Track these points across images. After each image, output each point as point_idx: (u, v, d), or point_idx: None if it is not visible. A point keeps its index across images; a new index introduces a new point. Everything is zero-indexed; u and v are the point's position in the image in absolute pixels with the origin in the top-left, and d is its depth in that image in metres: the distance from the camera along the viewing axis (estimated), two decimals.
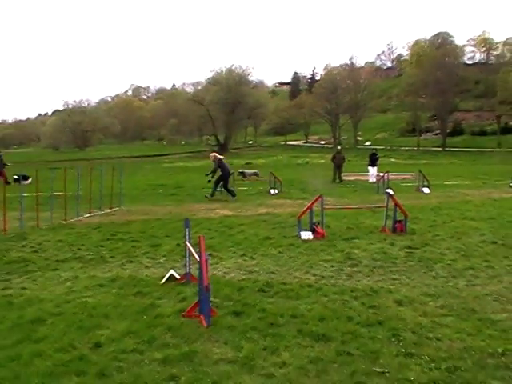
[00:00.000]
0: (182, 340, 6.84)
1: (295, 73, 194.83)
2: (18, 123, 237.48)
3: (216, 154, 26.12)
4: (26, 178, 33.36)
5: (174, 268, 10.39)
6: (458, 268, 10.87)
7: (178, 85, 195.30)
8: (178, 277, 9.86)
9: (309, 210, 14.77)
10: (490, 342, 6.73)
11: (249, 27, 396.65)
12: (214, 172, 25.41)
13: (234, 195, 25.19)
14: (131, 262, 11.84)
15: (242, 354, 6.36)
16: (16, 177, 33.33)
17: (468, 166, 58.05)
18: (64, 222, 17.55)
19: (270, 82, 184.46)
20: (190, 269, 9.77)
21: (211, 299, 7.73)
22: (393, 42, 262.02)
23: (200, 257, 7.70)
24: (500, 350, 6.45)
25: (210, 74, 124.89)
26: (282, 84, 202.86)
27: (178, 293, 9.08)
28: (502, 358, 6.28)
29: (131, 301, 8.71)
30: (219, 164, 25.38)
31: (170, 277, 9.86)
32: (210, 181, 25.88)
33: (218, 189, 25.59)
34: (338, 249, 12.86)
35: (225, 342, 6.78)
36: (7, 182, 32.76)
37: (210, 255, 10.94)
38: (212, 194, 25.25)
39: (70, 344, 6.71)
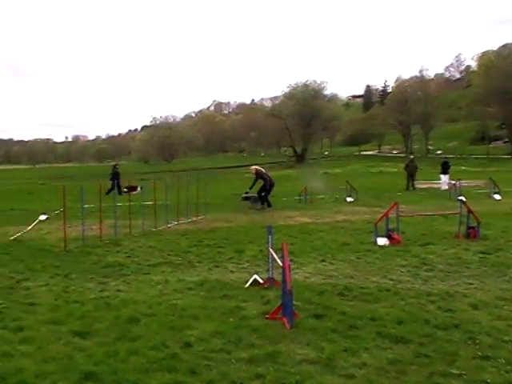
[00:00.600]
0: (267, 341, 6.81)
1: (367, 86, 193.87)
2: (110, 139, 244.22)
3: (256, 167, 26.01)
4: (133, 188, 34.36)
5: (257, 273, 10.38)
6: None
7: (256, 100, 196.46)
8: (261, 281, 9.85)
9: (385, 217, 14.59)
10: None
11: (324, 43, 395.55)
12: (253, 184, 25.17)
13: (261, 206, 24.69)
14: (217, 266, 11.92)
15: (323, 355, 6.28)
16: (125, 189, 34.19)
17: None
18: (154, 230, 17.85)
19: (344, 94, 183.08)
20: (272, 273, 9.76)
21: (294, 302, 7.70)
22: (461, 54, 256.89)
23: (283, 262, 7.68)
24: None
25: (287, 89, 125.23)
26: (354, 97, 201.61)
27: (261, 296, 9.07)
28: None
29: (218, 303, 8.75)
30: (261, 176, 25.24)
31: (253, 281, 9.87)
32: (247, 192, 25.68)
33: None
34: (413, 254, 12.66)
35: (307, 343, 6.72)
36: (120, 193, 33.59)
37: (291, 260, 10.91)
38: (262, 205, 24.89)
39: (163, 343, 6.77)
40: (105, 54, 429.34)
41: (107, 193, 33.54)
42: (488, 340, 6.74)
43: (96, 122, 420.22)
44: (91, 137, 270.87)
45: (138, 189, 35.00)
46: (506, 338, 6.78)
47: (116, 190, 33.84)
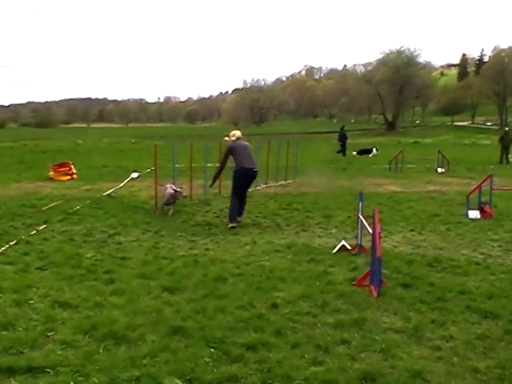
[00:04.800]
0: (353, 307, 6.80)
1: (463, 54, 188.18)
2: (201, 100, 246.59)
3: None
4: (369, 151, 35.21)
5: (345, 239, 10.36)
6: None
7: (348, 65, 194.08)
8: (349, 247, 9.83)
9: (477, 190, 14.23)
10: None
11: (421, 9, 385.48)
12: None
13: None
14: (305, 230, 11.97)
15: (410, 325, 6.22)
16: (354, 152, 34.96)
17: None
18: None
19: (438, 63, 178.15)
20: (361, 240, 9.71)
21: (382, 270, 7.63)
22: None
23: (373, 229, 7.61)
24: None
25: (380, 55, 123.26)
26: (449, 66, 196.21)
27: (349, 262, 9.04)
28: None
29: (305, 267, 8.80)
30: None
31: (341, 247, 9.85)
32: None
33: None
34: (505, 229, 12.32)
35: (394, 312, 6.67)
36: (344, 154, 34.38)
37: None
38: None
39: (250, 303, 6.86)
40: (198, 16, 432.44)
41: (340, 153, 34.71)
42: None
43: (188, 84, 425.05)
44: (183, 98, 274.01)
45: (374, 150, 35.71)
46: None
47: (342, 152, 34.87)
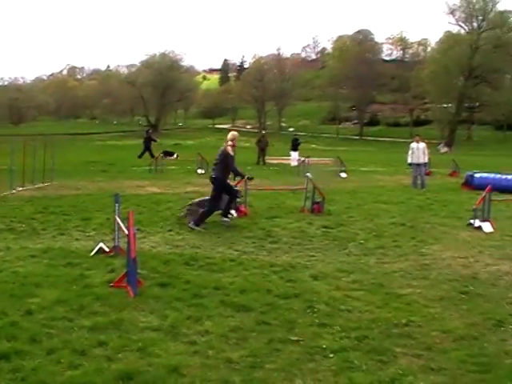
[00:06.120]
0: (110, 309, 6.83)
1: (225, 60, 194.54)
2: None
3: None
4: (172, 153, 34.47)
5: (103, 241, 10.28)
6: (369, 247, 11.13)
7: (112, 66, 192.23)
8: (107, 249, 9.80)
9: None
10: (396, 314, 6.93)
11: (183, 13, 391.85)
12: None
13: None
14: (62, 234, 11.70)
15: (166, 323, 6.39)
16: (162, 154, 33.92)
17: (382, 154, 58.96)
18: None
19: (201, 67, 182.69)
20: (118, 242, 9.73)
21: (138, 271, 7.75)
22: (318, 35, 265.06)
23: (128, 230, 7.69)
24: (404, 321, 6.67)
25: (144, 58, 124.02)
26: (212, 70, 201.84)
27: (106, 264, 9.05)
28: (406, 328, 6.49)
29: (62, 271, 8.63)
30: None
31: (99, 249, 9.80)
32: None
33: None
34: (259, 227, 12.99)
35: (151, 311, 6.80)
36: (153, 156, 33.70)
37: (138, 229, 10.86)
38: None
39: (2, 311, 6.62)
40: None
41: (139, 156, 34.27)
42: (326, 309, 7.09)
43: None
44: None
45: (175, 155, 35.63)
46: (343, 307, 7.16)
47: (148, 154, 34.65)
